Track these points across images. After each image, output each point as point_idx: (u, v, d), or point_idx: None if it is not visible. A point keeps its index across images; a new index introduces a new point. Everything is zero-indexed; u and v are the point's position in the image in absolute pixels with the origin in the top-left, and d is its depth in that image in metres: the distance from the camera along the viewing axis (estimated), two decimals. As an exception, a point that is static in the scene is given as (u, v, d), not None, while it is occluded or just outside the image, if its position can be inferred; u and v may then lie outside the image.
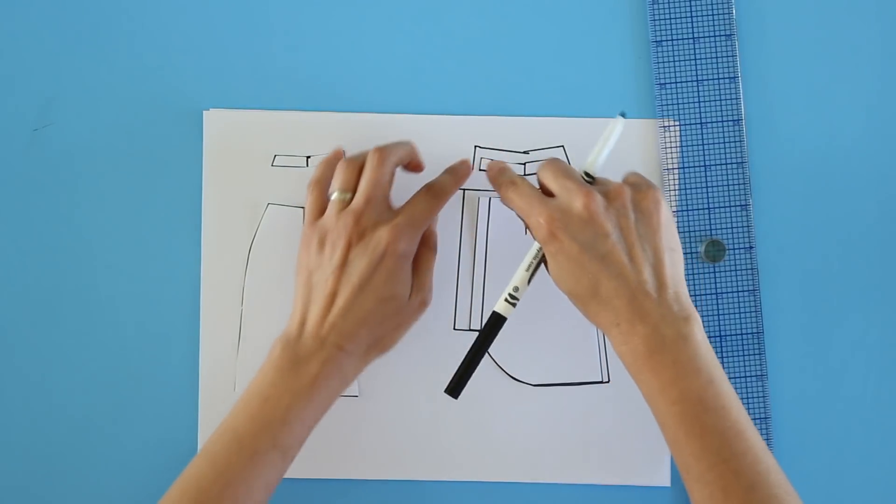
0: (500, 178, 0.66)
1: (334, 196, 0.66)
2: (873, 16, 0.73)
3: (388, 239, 0.63)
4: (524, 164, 0.72)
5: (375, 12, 0.73)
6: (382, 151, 0.66)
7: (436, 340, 0.72)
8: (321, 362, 0.62)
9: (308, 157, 0.72)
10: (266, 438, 0.61)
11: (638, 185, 0.63)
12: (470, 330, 0.72)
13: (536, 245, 0.64)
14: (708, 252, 0.71)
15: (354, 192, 0.65)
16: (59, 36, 0.73)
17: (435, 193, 0.66)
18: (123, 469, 0.72)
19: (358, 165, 0.66)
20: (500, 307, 0.64)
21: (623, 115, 0.65)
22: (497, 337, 0.65)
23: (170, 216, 0.73)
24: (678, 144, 0.72)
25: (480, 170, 0.72)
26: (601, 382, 0.72)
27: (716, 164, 0.72)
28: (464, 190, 0.72)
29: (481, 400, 0.72)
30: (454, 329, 0.72)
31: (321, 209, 0.67)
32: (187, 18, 0.73)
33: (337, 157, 0.68)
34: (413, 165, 0.69)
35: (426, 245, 0.67)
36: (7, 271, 0.73)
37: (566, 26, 0.73)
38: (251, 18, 0.73)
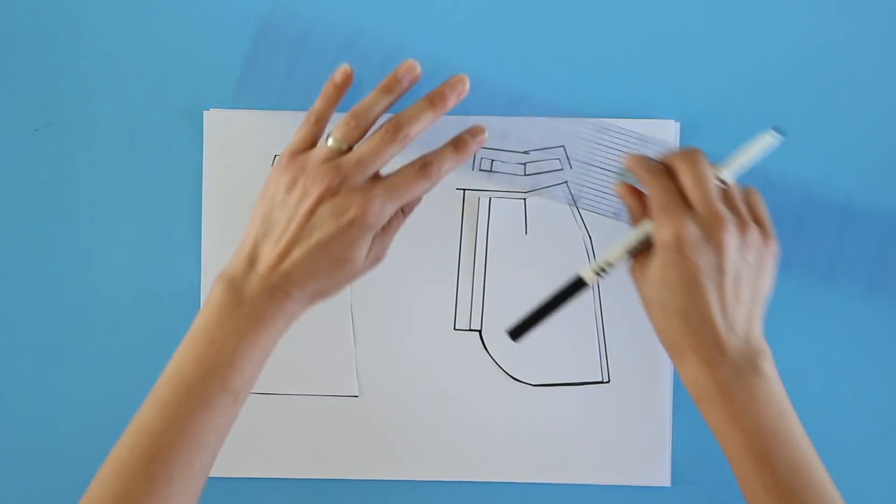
0: (642, 164, 0.64)
1: (329, 142, 0.63)
2: (873, 16, 0.73)
3: (358, 209, 0.61)
4: (524, 164, 0.72)
5: (374, 12, 0.73)
6: (399, 127, 0.63)
7: (436, 340, 0.72)
8: (268, 305, 0.61)
9: (308, 157, 0.72)
10: (215, 383, 0.60)
11: (764, 229, 0.63)
12: (470, 330, 0.72)
13: (645, 230, 0.63)
14: (707, 252, 0.71)
15: (352, 146, 0.63)
16: (59, 36, 0.73)
17: (427, 174, 0.63)
18: (123, 469, 0.72)
19: (367, 122, 0.64)
20: (587, 276, 0.64)
21: (778, 130, 0.63)
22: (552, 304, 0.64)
23: (170, 216, 0.73)
24: (678, 144, 0.72)
25: (481, 170, 0.72)
26: (601, 382, 0.72)
27: (715, 165, 0.72)
28: (464, 190, 0.72)
29: (481, 400, 0.72)
30: (454, 329, 0.72)
31: (309, 144, 0.65)
32: (188, 19, 0.73)
33: (344, 84, 0.66)
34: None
35: (400, 211, 0.66)
36: (7, 271, 0.73)
37: (566, 26, 0.73)
38: (251, 19, 0.73)
